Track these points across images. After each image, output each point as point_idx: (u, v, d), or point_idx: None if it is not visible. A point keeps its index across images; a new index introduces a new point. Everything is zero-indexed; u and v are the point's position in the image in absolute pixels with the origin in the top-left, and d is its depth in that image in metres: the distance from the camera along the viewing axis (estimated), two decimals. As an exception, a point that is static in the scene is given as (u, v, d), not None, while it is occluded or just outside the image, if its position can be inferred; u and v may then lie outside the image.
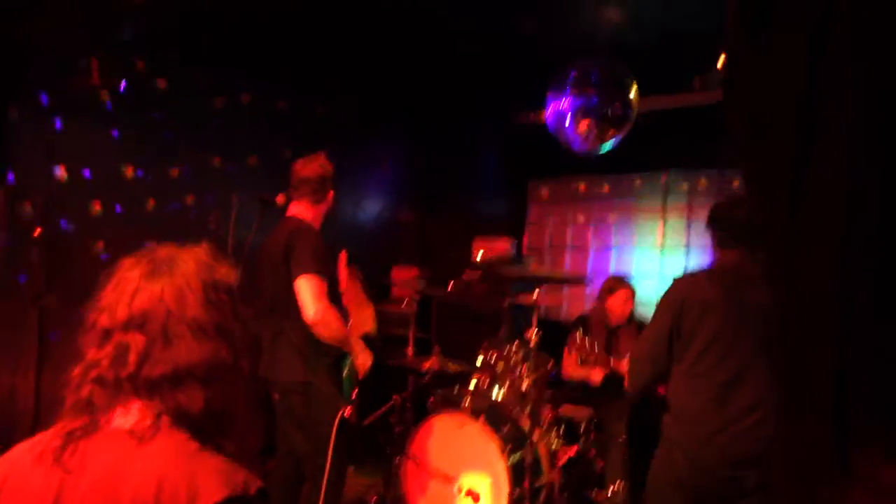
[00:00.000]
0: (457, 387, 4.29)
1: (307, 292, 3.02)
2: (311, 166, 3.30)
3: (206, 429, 1.22)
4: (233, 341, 1.27)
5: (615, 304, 4.58)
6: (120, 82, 4.19)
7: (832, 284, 1.46)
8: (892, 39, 1.43)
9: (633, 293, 4.61)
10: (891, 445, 1.39)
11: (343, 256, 3.92)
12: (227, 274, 1.30)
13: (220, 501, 1.12)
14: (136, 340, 1.21)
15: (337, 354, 3.24)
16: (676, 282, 2.73)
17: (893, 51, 1.45)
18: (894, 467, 0.76)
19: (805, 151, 1.51)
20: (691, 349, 2.57)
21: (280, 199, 3.22)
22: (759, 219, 1.64)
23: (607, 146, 4.39)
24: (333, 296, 3.21)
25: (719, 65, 4.20)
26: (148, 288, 1.24)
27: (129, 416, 1.21)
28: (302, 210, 3.30)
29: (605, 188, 5.90)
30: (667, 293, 2.70)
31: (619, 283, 4.62)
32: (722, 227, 2.69)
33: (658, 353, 2.65)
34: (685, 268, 5.49)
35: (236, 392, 1.28)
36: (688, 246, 5.50)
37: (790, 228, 1.52)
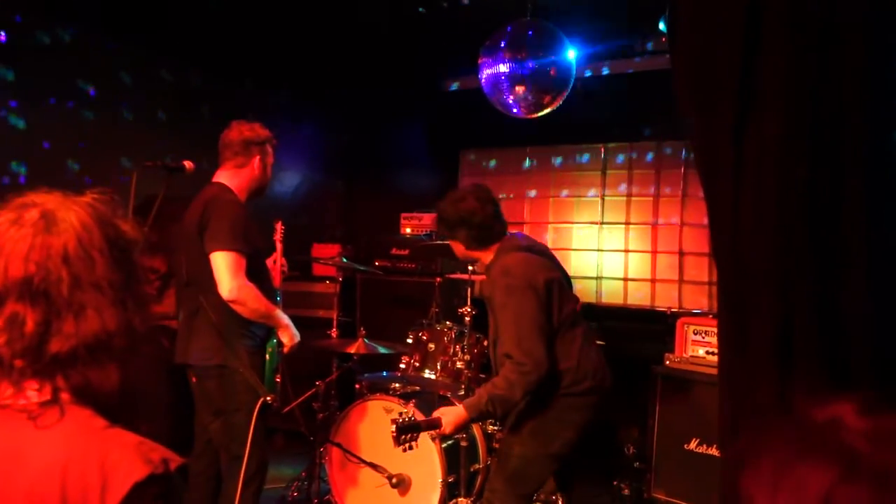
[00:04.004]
0: (385, 370, 4.33)
1: (222, 269, 3.01)
2: (236, 130, 3.30)
3: (114, 408, 1.12)
4: (145, 309, 1.16)
5: None
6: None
7: (774, 243, 1.55)
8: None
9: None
10: (823, 386, 1.49)
11: (279, 227, 3.88)
12: (132, 230, 1.18)
13: (141, 481, 1.03)
14: (34, 309, 1.07)
15: (262, 335, 3.22)
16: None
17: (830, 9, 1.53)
18: (821, 406, 0.83)
19: (744, 105, 1.59)
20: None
21: (188, 164, 3.13)
22: (705, 178, 1.72)
23: (543, 113, 4.44)
24: (257, 271, 3.19)
25: (663, 26, 4.30)
26: (45, 245, 1.09)
27: (21, 394, 1.09)
28: (226, 177, 3.28)
29: (541, 159, 5.97)
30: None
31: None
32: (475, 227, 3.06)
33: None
34: (625, 242, 5.63)
35: (148, 367, 1.19)
36: (628, 222, 5.63)
37: (735, 188, 1.61)
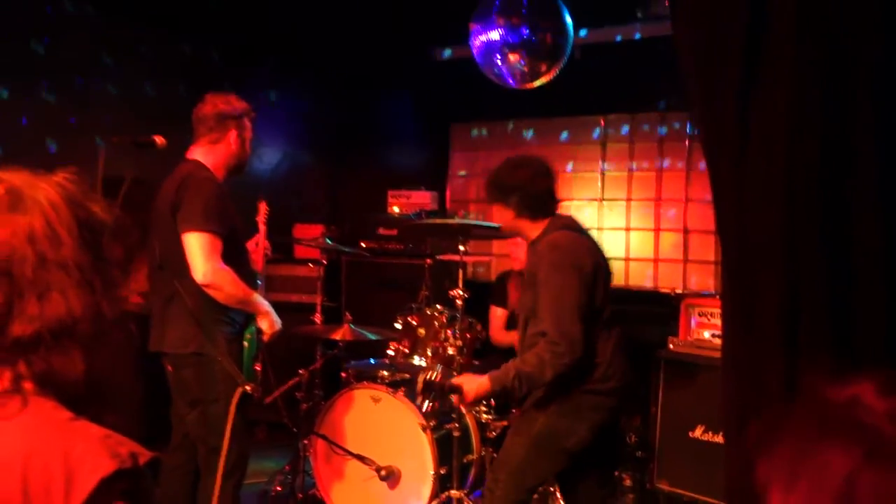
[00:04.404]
0: (372, 357, 4.33)
1: (195, 251, 3.03)
2: (209, 103, 3.30)
3: (80, 398, 1.10)
4: (114, 293, 1.15)
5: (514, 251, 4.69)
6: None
7: (781, 218, 1.57)
8: None
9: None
10: (836, 366, 1.52)
11: (263, 208, 3.88)
12: (103, 211, 1.17)
13: (108, 476, 1.01)
14: None
15: (241, 322, 3.24)
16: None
17: None
18: (838, 386, 0.85)
19: (750, 76, 1.61)
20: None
21: (159, 139, 3.14)
22: (708, 148, 1.74)
23: (539, 83, 4.43)
24: (235, 253, 3.20)
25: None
26: (10, 222, 1.08)
27: None
28: (201, 154, 3.28)
29: (538, 132, 5.95)
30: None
31: None
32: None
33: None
34: (626, 220, 5.64)
35: (118, 354, 1.18)
36: (629, 198, 5.63)
37: (740, 159, 1.63)
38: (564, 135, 5.85)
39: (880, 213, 1.59)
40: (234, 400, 2.98)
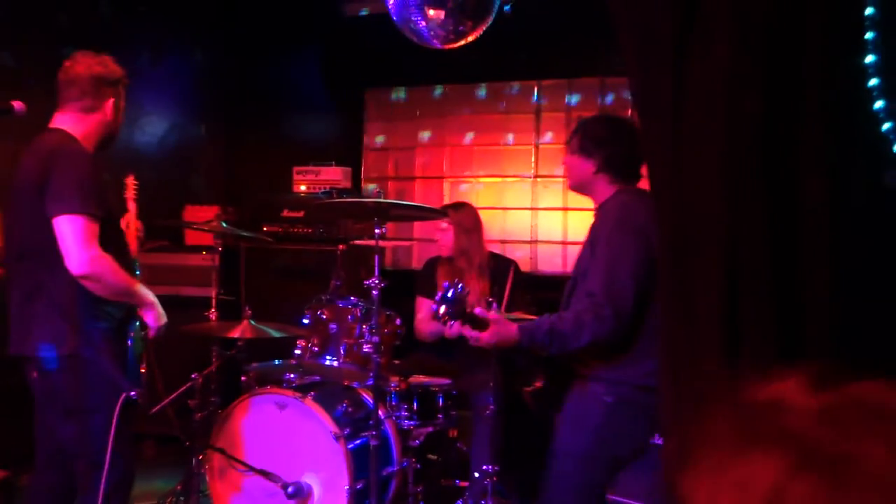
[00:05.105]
0: (277, 358, 4.30)
1: (70, 237, 2.96)
2: (83, 63, 3.22)
3: None
4: None
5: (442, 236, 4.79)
6: None
7: (720, 182, 1.60)
8: None
9: (458, 222, 4.73)
10: (778, 360, 1.55)
11: (131, 183, 3.82)
12: None
13: None
14: None
15: (119, 317, 3.19)
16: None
17: None
18: (761, 385, 0.84)
19: (688, 27, 1.63)
20: None
21: (18, 105, 3.02)
22: (641, 109, 1.76)
23: (463, 43, 4.37)
24: (113, 238, 3.16)
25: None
26: None
27: None
28: (69, 123, 3.19)
29: (464, 99, 5.94)
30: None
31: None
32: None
33: None
34: (563, 199, 5.70)
35: None
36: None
37: (675, 119, 1.64)
38: (491, 102, 5.88)
39: (831, 179, 1.62)
40: (118, 408, 2.94)
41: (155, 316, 3.25)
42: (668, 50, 1.66)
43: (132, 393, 2.93)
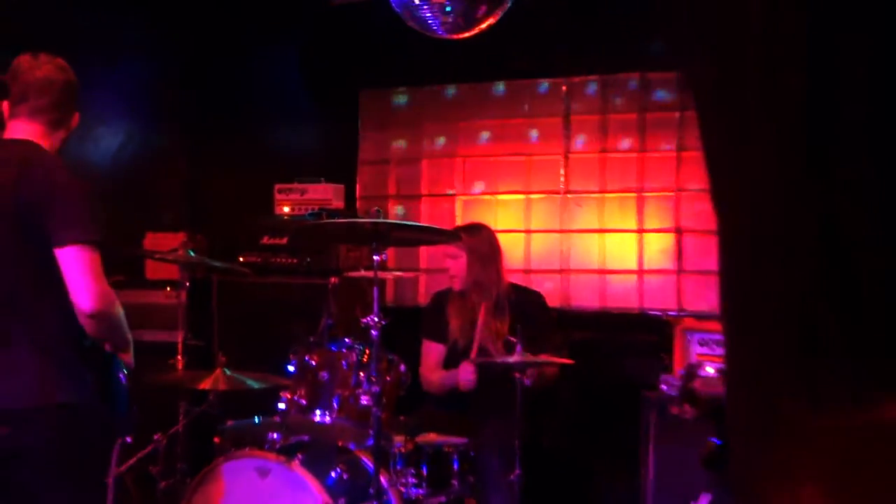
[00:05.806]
0: (257, 414, 4.24)
1: (80, 271, 3.00)
2: (60, 68, 3.27)
3: None
4: None
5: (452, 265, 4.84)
6: None
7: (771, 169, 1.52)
8: None
9: (473, 248, 4.75)
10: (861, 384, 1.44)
11: None
12: None
13: None
14: None
15: (101, 352, 3.25)
16: None
17: None
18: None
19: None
20: None
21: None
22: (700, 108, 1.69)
23: (476, 33, 4.32)
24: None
25: None
26: None
27: None
28: (37, 135, 3.23)
29: (479, 102, 5.90)
30: None
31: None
32: None
33: None
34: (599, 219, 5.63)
35: None
36: (603, 189, 5.60)
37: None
38: (511, 104, 5.84)
39: (871, 161, 1.53)
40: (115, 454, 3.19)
41: (131, 358, 3.33)
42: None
43: (128, 439, 3.06)
